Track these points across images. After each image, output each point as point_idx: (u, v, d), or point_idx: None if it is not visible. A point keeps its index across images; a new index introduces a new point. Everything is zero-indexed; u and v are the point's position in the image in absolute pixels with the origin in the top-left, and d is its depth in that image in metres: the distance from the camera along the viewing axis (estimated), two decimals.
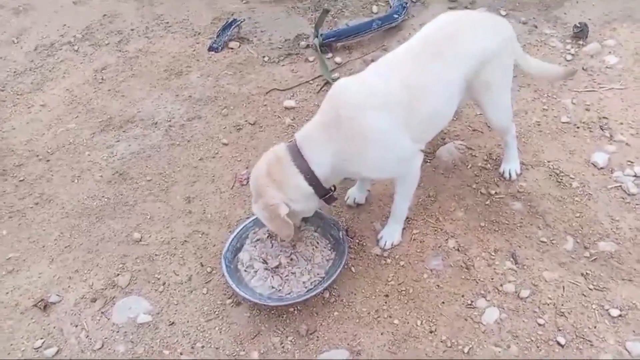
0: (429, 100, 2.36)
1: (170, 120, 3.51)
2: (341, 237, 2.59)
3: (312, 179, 2.31)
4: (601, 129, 3.05)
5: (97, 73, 3.95)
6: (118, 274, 2.69)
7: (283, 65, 3.84)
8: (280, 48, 3.98)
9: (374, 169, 2.42)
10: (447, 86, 2.41)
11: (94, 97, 3.75)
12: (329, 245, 2.63)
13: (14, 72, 4.04)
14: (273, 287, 2.48)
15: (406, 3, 4.02)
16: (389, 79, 2.34)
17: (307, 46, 3.95)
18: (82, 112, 3.65)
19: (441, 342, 2.30)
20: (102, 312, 2.55)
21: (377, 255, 2.63)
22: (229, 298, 2.53)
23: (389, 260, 2.60)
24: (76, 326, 2.51)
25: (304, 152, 2.32)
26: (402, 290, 2.48)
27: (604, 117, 3.11)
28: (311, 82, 3.66)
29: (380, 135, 2.29)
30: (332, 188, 2.46)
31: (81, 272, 2.73)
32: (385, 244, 2.64)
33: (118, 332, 2.47)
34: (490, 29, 2.53)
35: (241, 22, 4.14)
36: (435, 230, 2.70)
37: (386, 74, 2.37)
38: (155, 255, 2.76)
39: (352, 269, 2.58)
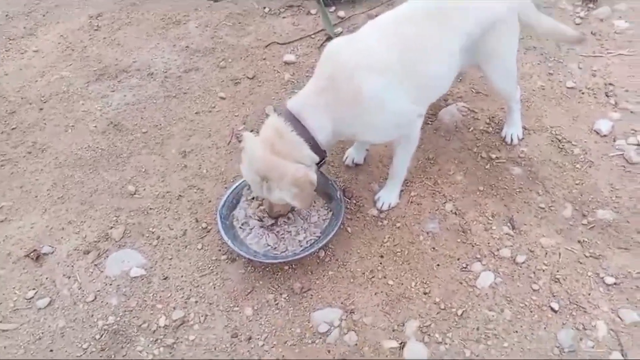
0: (429, 63, 2.29)
1: (166, 71, 3.42)
2: (338, 197, 2.56)
3: (314, 145, 2.24)
4: (606, 95, 2.99)
5: (93, 19, 3.83)
6: (112, 227, 2.67)
7: (284, 17, 3.73)
8: None
9: (372, 132, 2.37)
10: (449, 50, 2.33)
11: (89, 45, 3.65)
12: (326, 204, 2.61)
13: (6, 15, 3.92)
14: (268, 245, 2.47)
15: None
16: (387, 39, 2.25)
17: None
18: (77, 60, 3.56)
19: (434, 303, 2.30)
20: (95, 265, 2.54)
21: (373, 216, 2.61)
22: (224, 254, 2.52)
23: (385, 222, 2.58)
24: (69, 278, 2.50)
25: (304, 119, 2.22)
26: (397, 252, 2.47)
27: (610, 84, 3.04)
28: (313, 36, 3.57)
29: (378, 97, 2.22)
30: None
31: (74, 223, 2.70)
32: (382, 206, 2.62)
33: (111, 284, 2.46)
34: None
35: None
36: (433, 193, 2.67)
37: (384, 34, 2.28)
38: (150, 209, 2.73)
39: (348, 229, 2.56)
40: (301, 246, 2.47)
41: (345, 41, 2.31)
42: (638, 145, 2.75)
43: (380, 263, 2.44)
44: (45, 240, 2.64)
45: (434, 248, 2.47)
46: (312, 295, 2.37)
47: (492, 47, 2.44)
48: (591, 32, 3.34)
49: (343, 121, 2.25)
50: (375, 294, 2.35)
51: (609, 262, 2.35)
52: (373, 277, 2.40)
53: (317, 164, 2.32)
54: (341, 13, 3.69)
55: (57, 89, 3.37)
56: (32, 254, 2.57)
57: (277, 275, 2.44)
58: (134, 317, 2.35)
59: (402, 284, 2.37)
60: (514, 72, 2.62)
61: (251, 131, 2.94)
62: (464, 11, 2.31)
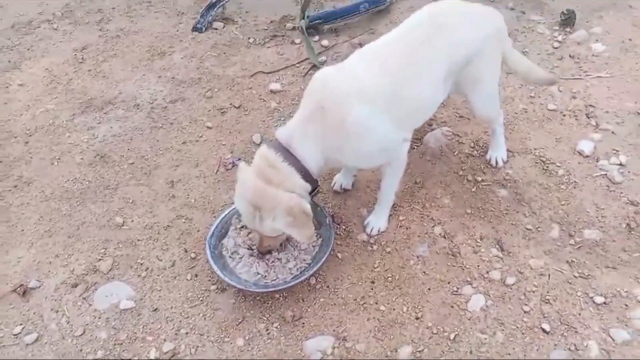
0: (414, 90, 2.32)
1: (152, 102, 3.43)
2: (328, 223, 2.57)
3: (306, 174, 2.25)
4: (587, 117, 3.05)
5: (77, 52, 3.84)
6: (100, 259, 2.64)
7: (269, 47, 3.78)
8: (265, 29, 3.92)
9: (361, 159, 2.40)
10: (433, 77, 2.37)
11: (74, 77, 3.66)
12: (316, 231, 2.60)
13: None
14: (259, 274, 2.45)
15: None
16: (373, 68, 2.29)
17: (294, 28, 3.89)
18: (62, 93, 3.56)
19: (427, 328, 2.30)
20: (83, 298, 2.50)
21: (363, 241, 2.61)
22: (214, 284, 2.50)
23: (375, 247, 2.59)
24: (57, 312, 2.46)
25: (294, 149, 2.24)
26: (388, 277, 2.47)
27: (591, 105, 3.11)
28: (297, 65, 3.61)
29: (365, 125, 2.25)
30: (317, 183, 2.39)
31: (62, 257, 2.67)
32: (371, 231, 2.63)
33: (100, 318, 2.43)
34: (479, 20, 2.49)
35: (226, 2, 4.05)
36: (422, 216, 2.69)
37: (370, 62, 2.32)
38: (138, 240, 2.71)
39: (339, 255, 2.56)
40: (292, 274, 2.46)
41: (333, 70, 2.35)
42: (620, 165, 2.80)
43: (372, 289, 2.44)
44: (32, 274, 2.60)
45: (424, 272, 2.48)
46: (304, 323, 2.35)
47: (475, 75, 2.49)
48: (569, 55, 3.43)
49: (332, 148, 2.27)
50: (367, 320, 2.34)
51: (598, 282, 2.37)
52: (364, 303, 2.39)
53: (310, 193, 2.33)
54: (325, 42, 3.75)
55: (43, 122, 3.36)
56: (18, 289, 2.53)
57: (268, 304, 2.42)
58: (124, 351, 2.31)
59: (394, 309, 2.36)
60: (497, 97, 2.67)
61: (239, 160, 2.98)
62: (447, 42, 2.36)
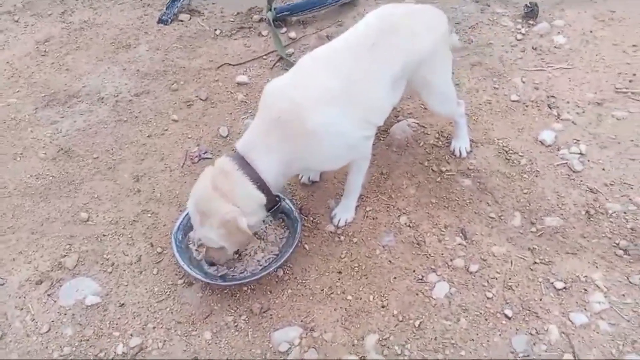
0: (366, 92, 2.33)
1: (117, 96, 3.39)
2: (295, 215, 2.58)
3: (262, 186, 2.24)
4: (549, 107, 3.12)
5: (40, 45, 3.77)
6: (65, 255, 2.61)
7: (235, 39, 3.76)
8: (232, 21, 3.89)
9: (325, 162, 2.43)
10: (384, 80, 2.37)
11: (37, 71, 3.59)
12: (282, 223, 2.62)
13: None
14: (226, 267, 2.45)
15: None
16: (326, 71, 2.29)
17: (261, 20, 3.88)
18: (24, 87, 3.49)
19: (393, 316, 2.33)
20: (48, 295, 2.47)
21: (330, 232, 2.63)
22: (181, 278, 2.49)
23: (342, 238, 2.61)
24: (21, 309, 2.43)
25: (250, 159, 2.24)
26: (355, 267, 2.50)
27: (552, 96, 3.17)
28: (265, 57, 3.60)
29: (325, 129, 2.25)
30: (278, 199, 2.38)
31: (25, 253, 2.63)
32: (339, 222, 2.65)
33: (65, 314, 2.41)
34: (426, 25, 2.50)
35: None
36: (388, 207, 2.72)
37: (323, 67, 2.32)
38: (104, 235, 2.68)
39: (306, 246, 2.58)
40: (260, 265, 2.47)
41: (284, 80, 2.34)
42: (580, 154, 2.86)
43: (339, 279, 2.47)
44: None
45: (390, 261, 2.51)
46: (271, 315, 2.36)
47: (427, 76, 2.53)
48: (532, 47, 3.49)
49: (294, 157, 2.27)
50: (334, 309, 2.37)
51: (558, 268, 2.44)
52: (332, 293, 2.42)
53: (271, 208, 2.33)
54: (292, 34, 3.74)
55: (4, 116, 3.30)
56: None
57: (236, 296, 2.43)
58: (90, 347, 2.30)
59: (361, 298, 2.39)
60: (451, 94, 2.71)
61: (205, 152, 2.97)
62: (398, 44, 2.37)
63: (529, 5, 3.68)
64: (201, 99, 3.33)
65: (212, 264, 2.44)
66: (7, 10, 4.05)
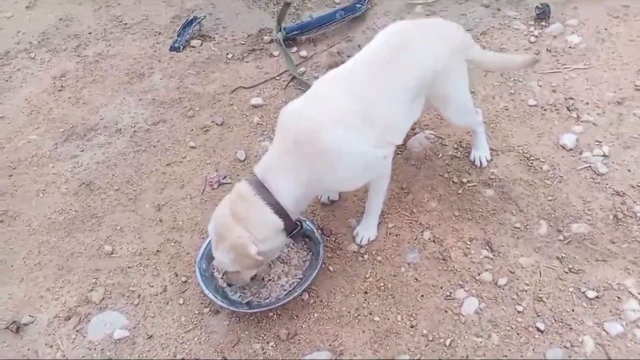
0: (383, 111, 2.31)
1: (134, 126, 3.42)
2: (317, 236, 2.57)
3: (279, 210, 2.23)
4: (568, 110, 3.06)
5: (56, 80, 3.83)
6: (91, 289, 2.63)
7: (247, 61, 3.77)
8: (243, 44, 3.91)
9: (344, 183, 2.42)
10: (401, 97, 2.35)
11: (54, 106, 3.64)
12: (305, 245, 2.61)
13: None
14: (251, 294, 2.45)
15: None
16: (342, 92, 2.29)
17: (271, 41, 3.88)
18: (43, 123, 3.54)
19: (422, 336, 2.30)
20: (77, 330, 2.49)
21: (354, 252, 2.61)
22: (206, 307, 2.49)
23: (366, 257, 2.59)
24: (51, 347, 2.45)
25: (268, 184, 2.23)
26: (380, 286, 2.47)
27: (570, 98, 3.12)
28: (277, 77, 3.61)
29: (343, 150, 2.24)
30: (299, 222, 2.37)
31: (53, 290, 2.65)
32: (361, 240, 2.63)
33: (95, 349, 2.42)
34: (439, 40, 2.47)
35: (202, 19, 4.05)
36: (410, 222, 2.69)
37: (338, 87, 2.31)
38: (128, 267, 2.70)
39: (330, 268, 2.56)
40: (284, 290, 2.46)
41: (301, 102, 2.34)
42: (604, 156, 2.81)
43: (365, 299, 2.44)
44: (24, 309, 2.59)
45: (416, 279, 2.48)
46: (299, 340, 2.35)
47: (443, 91, 2.51)
48: (546, 49, 3.44)
49: (312, 178, 2.25)
50: (362, 332, 2.34)
51: (589, 276, 2.38)
52: (359, 314, 2.39)
53: (290, 232, 2.31)
54: (303, 52, 3.74)
55: (26, 154, 3.35)
56: (11, 326, 2.52)
57: (262, 323, 2.42)
58: None
59: (389, 318, 2.36)
60: (469, 105, 2.68)
61: (224, 178, 2.97)
62: (413, 61, 2.35)
63: (540, 7, 3.63)
64: (217, 124, 3.35)
65: (230, 285, 2.48)
66: (24, 48, 4.13)
